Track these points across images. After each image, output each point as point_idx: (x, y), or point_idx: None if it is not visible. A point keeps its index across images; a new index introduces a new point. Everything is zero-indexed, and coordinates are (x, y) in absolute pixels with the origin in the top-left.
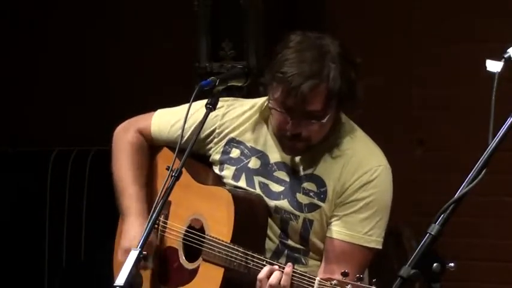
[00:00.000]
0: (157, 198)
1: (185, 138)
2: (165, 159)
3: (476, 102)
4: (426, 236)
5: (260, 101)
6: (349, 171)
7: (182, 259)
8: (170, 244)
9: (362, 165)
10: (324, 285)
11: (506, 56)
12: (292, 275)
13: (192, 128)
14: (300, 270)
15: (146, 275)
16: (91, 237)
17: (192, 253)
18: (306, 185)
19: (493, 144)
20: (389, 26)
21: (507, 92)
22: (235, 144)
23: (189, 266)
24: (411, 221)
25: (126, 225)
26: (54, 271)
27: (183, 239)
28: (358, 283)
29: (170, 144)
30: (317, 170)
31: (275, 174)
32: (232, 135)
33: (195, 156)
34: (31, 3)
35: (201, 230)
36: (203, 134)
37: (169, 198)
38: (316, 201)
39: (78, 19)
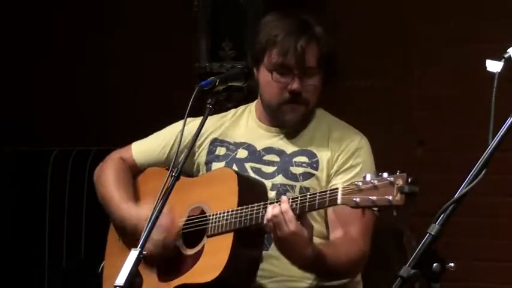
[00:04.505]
0: (157, 198)
1: (181, 148)
2: (149, 177)
3: (476, 102)
4: (426, 236)
5: (240, 108)
6: (335, 142)
7: (183, 249)
8: None
9: (345, 136)
10: (348, 189)
11: (506, 56)
12: (311, 196)
13: (185, 141)
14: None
15: (149, 278)
16: (91, 237)
17: (194, 241)
18: (297, 158)
19: (493, 144)
20: (390, 26)
21: (507, 92)
22: (219, 144)
23: (192, 251)
24: (411, 221)
25: (124, 217)
26: (54, 271)
27: (182, 230)
28: (382, 177)
29: (157, 165)
30: (304, 146)
31: (264, 158)
32: (214, 135)
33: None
34: (32, 4)
35: (202, 214)
36: (188, 143)
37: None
38: (309, 170)
39: (78, 19)
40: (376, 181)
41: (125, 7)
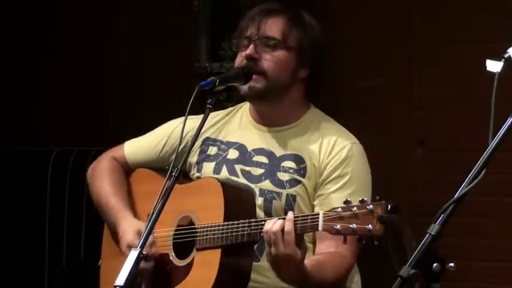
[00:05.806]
0: (157, 199)
1: (180, 147)
2: (139, 180)
3: (476, 102)
4: (426, 236)
5: (238, 106)
6: (326, 149)
7: (174, 259)
8: (160, 252)
9: (337, 142)
10: (329, 215)
11: (506, 56)
12: (295, 220)
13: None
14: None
15: None
16: (91, 237)
17: (184, 251)
18: (285, 163)
19: (493, 144)
20: (390, 26)
21: (507, 92)
22: (211, 143)
23: (183, 262)
24: (411, 221)
25: (120, 228)
26: (54, 271)
27: (173, 239)
28: (362, 204)
29: (149, 164)
30: (294, 150)
31: (254, 159)
32: (207, 134)
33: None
34: (32, 4)
35: (191, 224)
36: (183, 144)
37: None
38: (296, 176)
39: (77, 19)
40: (356, 208)
41: (125, 7)
